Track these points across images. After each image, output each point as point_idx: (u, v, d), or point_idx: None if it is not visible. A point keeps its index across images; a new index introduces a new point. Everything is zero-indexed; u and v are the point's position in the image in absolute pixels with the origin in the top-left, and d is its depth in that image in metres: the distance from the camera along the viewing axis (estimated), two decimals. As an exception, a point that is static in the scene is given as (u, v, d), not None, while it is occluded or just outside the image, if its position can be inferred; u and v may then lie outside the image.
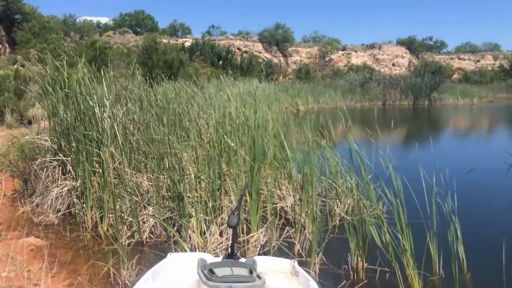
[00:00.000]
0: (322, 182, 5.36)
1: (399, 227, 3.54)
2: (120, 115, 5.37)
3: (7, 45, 34.10)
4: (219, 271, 1.78)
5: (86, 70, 5.62)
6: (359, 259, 3.74)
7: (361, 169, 4.08)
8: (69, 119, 5.13)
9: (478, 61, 58.58)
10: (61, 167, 5.28)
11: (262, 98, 6.08)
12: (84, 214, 4.79)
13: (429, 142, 7.30)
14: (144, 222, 4.42)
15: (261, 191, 4.51)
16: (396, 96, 30.57)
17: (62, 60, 5.64)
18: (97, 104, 5.20)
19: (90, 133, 4.92)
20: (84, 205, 4.83)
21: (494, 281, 3.45)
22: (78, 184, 4.99)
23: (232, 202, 4.47)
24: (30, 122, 8.85)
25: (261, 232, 4.19)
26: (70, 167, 5.12)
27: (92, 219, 4.77)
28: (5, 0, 32.92)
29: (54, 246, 4.15)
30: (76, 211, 4.91)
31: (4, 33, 33.97)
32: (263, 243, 4.15)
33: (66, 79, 5.37)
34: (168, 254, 2.16)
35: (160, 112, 5.71)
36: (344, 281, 3.50)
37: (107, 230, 4.55)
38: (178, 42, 42.43)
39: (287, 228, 4.32)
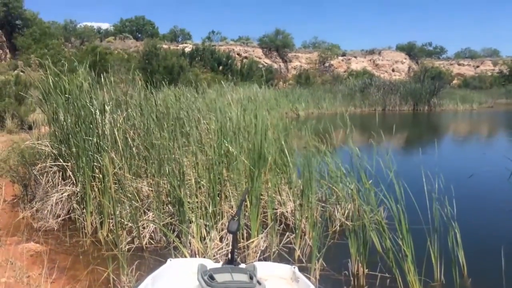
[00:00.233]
0: (323, 187, 5.35)
1: (399, 232, 3.54)
2: (120, 121, 5.37)
3: (7, 51, 34.21)
4: (219, 277, 1.77)
5: (87, 75, 5.63)
6: (360, 265, 3.73)
7: (361, 174, 4.09)
8: (69, 124, 5.13)
9: (478, 66, 58.68)
10: (61, 173, 5.28)
11: (262, 103, 6.08)
12: (84, 220, 4.78)
13: (429, 148, 7.31)
14: (144, 228, 4.41)
15: (261, 197, 4.50)
16: (396, 101, 30.57)
17: (63, 66, 5.66)
18: (97, 110, 5.21)
19: (90, 138, 4.92)
20: (84, 210, 4.83)
21: (494, 287, 3.44)
22: (78, 190, 4.99)
23: (232, 207, 4.46)
24: (30, 128, 8.84)
25: (261, 238, 4.19)
26: (70, 173, 5.12)
27: (92, 225, 4.76)
28: (6, 6, 33.07)
29: (53, 252, 4.14)
30: (76, 216, 4.90)
31: (4, 39, 34.09)
32: (263, 248, 4.14)
33: (66, 84, 5.38)
34: (168, 260, 2.16)
35: (161, 117, 5.72)
36: (345, 287, 3.50)
37: (107, 235, 4.54)
38: (178, 47, 42.54)
39: (287, 233, 4.31)
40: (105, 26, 50.56)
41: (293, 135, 5.87)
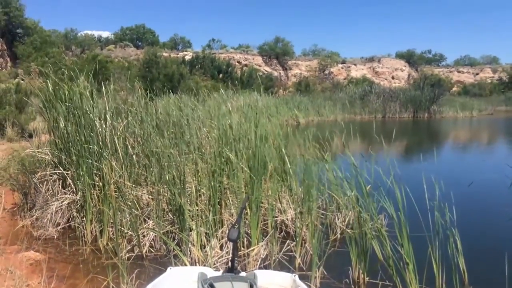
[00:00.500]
0: (323, 195, 5.35)
1: (400, 240, 3.53)
2: (120, 129, 5.38)
3: (8, 59, 34.35)
4: (219, 286, 1.76)
5: (87, 83, 5.65)
6: (360, 272, 3.71)
7: (361, 182, 4.08)
8: (69, 132, 5.14)
9: (477, 74, 58.88)
10: (61, 181, 5.28)
11: (262, 111, 6.09)
12: (83, 228, 4.77)
13: (429, 155, 7.31)
14: (144, 236, 4.40)
15: (261, 204, 4.50)
16: (396, 108, 30.62)
17: (63, 74, 5.67)
18: (97, 118, 5.22)
19: (91, 146, 4.92)
20: (84, 218, 4.82)
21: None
22: (78, 198, 4.98)
23: (232, 215, 4.46)
24: (31, 136, 8.85)
25: (262, 246, 4.17)
26: (70, 181, 5.11)
27: (91, 233, 4.75)
28: (7, 15, 33.25)
29: (53, 260, 4.13)
30: (76, 224, 4.89)
31: (5, 47, 34.24)
32: (263, 256, 4.13)
33: (67, 92, 5.39)
34: (168, 268, 2.15)
35: (161, 125, 5.73)
36: (346, 295, 3.48)
37: (107, 244, 4.53)
38: (178, 55, 42.72)
39: (287, 241, 4.30)
40: (105, 34, 50.89)
41: (293, 142, 5.87)
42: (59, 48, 33.96)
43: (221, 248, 4.13)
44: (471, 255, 3.79)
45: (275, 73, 48.65)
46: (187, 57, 40.43)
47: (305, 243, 4.30)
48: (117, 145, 5.11)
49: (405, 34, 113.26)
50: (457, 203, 3.80)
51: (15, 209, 5.65)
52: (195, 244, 4.08)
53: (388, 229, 3.93)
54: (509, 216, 5.49)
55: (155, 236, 4.37)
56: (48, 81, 5.56)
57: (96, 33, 48.51)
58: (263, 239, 4.26)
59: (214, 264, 3.86)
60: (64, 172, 5.19)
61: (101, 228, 4.66)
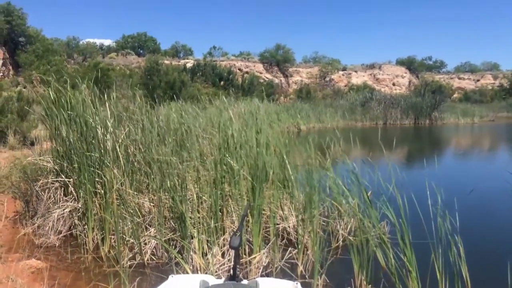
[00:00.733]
0: (325, 202, 5.33)
1: (403, 248, 3.52)
2: (122, 136, 5.39)
3: (10, 68, 34.51)
4: (221, 294, 1.76)
5: (89, 91, 5.67)
6: (363, 280, 3.70)
7: (362, 189, 4.08)
8: (71, 140, 5.15)
9: (478, 80, 58.91)
10: (63, 188, 5.28)
11: (263, 118, 6.10)
12: (85, 236, 4.77)
13: (431, 162, 7.29)
14: (145, 244, 4.39)
15: (263, 212, 4.49)
16: (397, 115, 30.65)
17: (65, 82, 5.70)
18: (99, 125, 5.23)
19: (92, 154, 4.93)
20: (86, 226, 4.81)
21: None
22: (79, 205, 4.98)
23: (234, 222, 4.45)
24: (32, 143, 8.87)
25: (264, 253, 4.16)
26: (72, 188, 5.12)
27: (93, 241, 4.75)
28: (9, 23, 33.45)
29: (55, 269, 4.12)
30: (78, 232, 4.89)
31: (8, 56, 34.41)
32: (265, 264, 4.11)
33: (69, 100, 5.42)
34: (170, 276, 2.14)
35: (162, 132, 5.74)
36: (348, 303, 3.47)
37: (109, 251, 4.52)
38: (180, 63, 42.87)
39: (289, 248, 4.29)
40: (107, 42, 51.09)
41: (295, 149, 5.87)
42: (61, 56, 34.15)
43: (222, 255, 4.11)
44: (474, 262, 3.77)
45: (276, 80, 48.75)
46: (189, 65, 40.58)
47: (307, 250, 4.29)
48: (119, 152, 5.12)
49: (406, 41, 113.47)
50: (460, 210, 3.79)
51: (17, 217, 5.65)
52: (196, 251, 4.07)
53: (390, 236, 3.91)
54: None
55: (157, 243, 4.37)
56: (50, 89, 5.58)
57: (98, 41, 48.75)
58: (265, 247, 4.25)
59: (216, 272, 3.85)
60: (66, 179, 5.20)
61: (102, 236, 4.66)
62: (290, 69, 52.33)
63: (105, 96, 5.87)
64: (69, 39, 43.36)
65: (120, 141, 5.27)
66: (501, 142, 20.25)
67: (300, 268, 4.06)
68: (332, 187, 5.20)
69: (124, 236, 4.44)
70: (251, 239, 4.28)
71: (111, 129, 5.33)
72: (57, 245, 4.77)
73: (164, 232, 4.43)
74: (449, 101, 38.49)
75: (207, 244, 4.18)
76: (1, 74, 32.72)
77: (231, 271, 2.02)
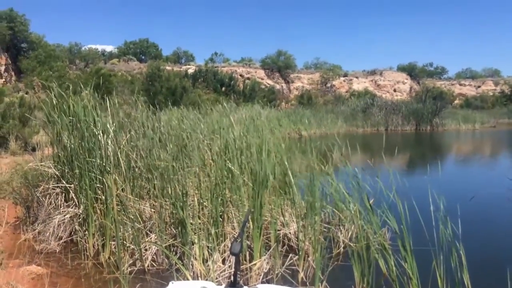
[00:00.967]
0: (326, 208, 5.32)
1: (404, 254, 3.50)
2: (123, 142, 5.40)
3: (13, 73, 34.61)
4: (221, 300, 1.75)
5: (91, 97, 5.69)
6: (364, 287, 3.68)
7: (364, 195, 4.07)
8: (72, 146, 5.16)
9: (479, 86, 58.90)
10: (63, 194, 5.28)
11: (265, 123, 6.11)
12: (86, 242, 4.76)
13: (432, 168, 7.27)
14: (146, 250, 4.39)
15: (264, 218, 4.48)
16: (398, 121, 30.66)
17: (67, 88, 5.72)
18: (100, 131, 5.24)
19: (94, 160, 4.94)
20: (86, 232, 4.81)
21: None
22: (80, 211, 4.98)
23: (235, 229, 4.44)
24: (34, 149, 8.88)
25: (264, 260, 4.15)
26: (73, 194, 5.12)
27: (94, 247, 4.74)
28: (12, 30, 33.60)
29: (55, 275, 4.11)
30: (78, 238, 4.88)
31: (10, 62, 34.52)
32: (266, 270, 4.10)
33: (70, 106, 5.43)
34: (170, 283, 2.14)
35: (163, 138, 5.75)
36: (349, 310, 3.45)
37: (109, 257, 4.51)
38: (181, 69, 42.96)
39: (290, 255, 4.27)
40: (109, 48, 51.25)
41: (296, 155, 5.87)
42: (63, 62, 34.22)
43: (223, 262, 4.10)
44: (475, 270, 3.75)
45: (277, 86, 48.80)
46: (190, 71, 40.66)
47: (308, 257, 4.27)
48: (120, 158, 5.12)
49: (407, 47, 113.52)
50: (461, 217, 3.78)
51: (17, 222, 5.64)
52: (197, 258, 4.06)
53: (391, 243, 3.90)
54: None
55: (157, 250, 4.36)
56: (52, 94, 5.60)
57: (100, 47, 48.89)
58: (266, 253, 4.24)
59: (216, 278, 3.84)
60: (66, 185, 5.20)
61: (103, 242, 4.65)
62: (292, 75, 52.39)
63: (107, 102, 5.89)
64: (71, 45, 43.54)
65: (121, 147, 5.28)
66: (502, 148, 20.23)
67: (301, 274, 4.05)
68: (333, 193, 5.20)
69: (124, 242, 4.43)
70: (251, 245, 4.27)
71: (112, 135, 5.34)
72: (57, 251, 4.76)
73: (165, 238, 4.42)
74: (450, 107, 38.49)
75: (208, 250, 4.17)
76: (3, 80, 32.80)
77: (232, 278, 2.02)
